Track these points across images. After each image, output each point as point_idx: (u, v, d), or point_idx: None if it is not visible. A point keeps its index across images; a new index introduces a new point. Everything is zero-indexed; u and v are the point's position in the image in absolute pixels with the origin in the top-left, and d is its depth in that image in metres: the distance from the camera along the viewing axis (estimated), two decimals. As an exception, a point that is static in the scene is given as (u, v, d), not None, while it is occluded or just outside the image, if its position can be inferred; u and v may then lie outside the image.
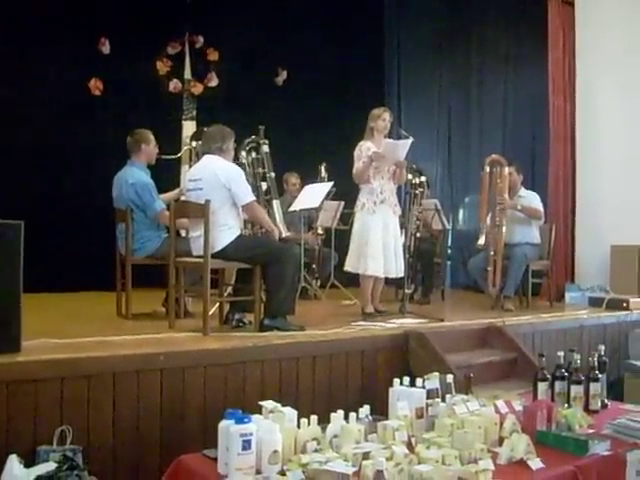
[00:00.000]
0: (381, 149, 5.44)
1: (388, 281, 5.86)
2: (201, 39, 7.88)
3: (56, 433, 3.25)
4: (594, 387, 3.70)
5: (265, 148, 5.63)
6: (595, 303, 6.61)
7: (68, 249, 6.87)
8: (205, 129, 4.94)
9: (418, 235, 6.92)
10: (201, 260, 4.43)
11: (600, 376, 3.76)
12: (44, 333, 4.00)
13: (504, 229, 6.32)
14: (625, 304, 6.38)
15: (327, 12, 8.32)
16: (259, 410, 3.06)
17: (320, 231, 7.21)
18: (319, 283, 7.23)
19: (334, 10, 8.36)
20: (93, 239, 6.53)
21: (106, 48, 7.39)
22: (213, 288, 4.64)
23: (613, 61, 7.20)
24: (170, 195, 5.39)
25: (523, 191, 6.62)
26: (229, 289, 5.13)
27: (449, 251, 8.37)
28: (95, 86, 7.34)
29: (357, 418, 2.99)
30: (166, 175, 6.38)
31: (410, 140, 5.46)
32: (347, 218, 6.51)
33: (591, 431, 3.29)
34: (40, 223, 6.22)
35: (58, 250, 6.80)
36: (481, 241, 6.41)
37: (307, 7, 8.23)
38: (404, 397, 3.21)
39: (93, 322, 4.99)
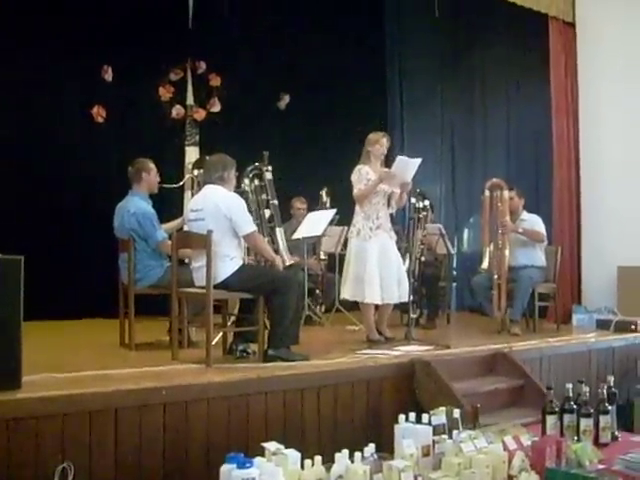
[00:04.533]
0: (393, 166, 5.42)
1: (394, 306, 5.80)
2: (203, 65, 7.85)
3: (57, 470, 3.20)
4: (604, 419, 3.64)
5: (268, 175, 5.58)
6: (603, 325, 6.55)
7: (71, 277, 6.84)
8: (207, 158, 4.92)
9: (423, 259, 6.87)
10: (203, 291, 4.39)
11: (610, 408, 3.70)
12: (46, 367, 3.96)
13: (507, 252, 6.28)
14: (634, 326, 6.33)
15: (329, 36, 8.31)
16: (263, 448, 3.01)
17: (323, 256, 7.17)
18: (324, 308, 7.18)
19: (336, 34, 8.36)
20: (97, 267, 6.51)
21: (109, 75, 7.38)
22: (216, 313, 4.59)
23: (615, 81, 7.23)
24: (172, 224, 5.36)
25: (525, 214, 6.58)
26: (232, 318, 5.09)
27: (454, 273, 8.33)
28: (98, 113, 7.33)
29: (362, 457, 2.94)
30: (169, 202, 6.37)
31: (419, 160, 5.45)
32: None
33: (602, 467, 3.23)
34: (43, 250, 6.31)
35: (61, 278, 6.77)
36: (484, 265, 6.38)
37: (309, 31, 8.25)
38: (410, 434, 3.15)
39: (96, 353, 4.95)
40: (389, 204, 5.60)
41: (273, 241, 5.36)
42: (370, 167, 5.52)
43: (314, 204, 7.27)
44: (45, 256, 6.29)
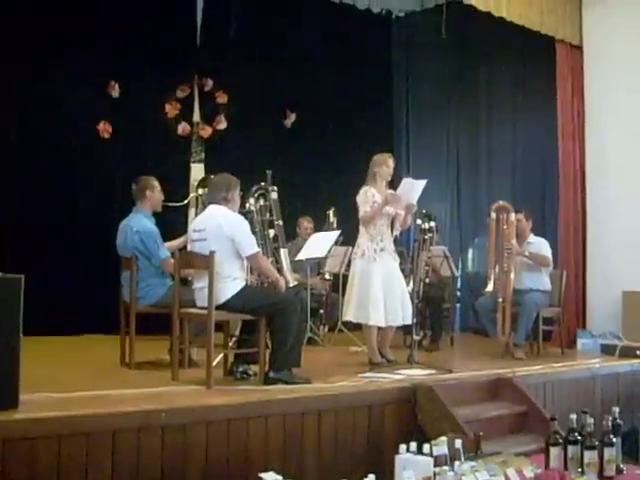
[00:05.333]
0: (398, 188, 5.41)
1: (397, 327, 5.75)
2: (210, 82, 7.88)
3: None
4: (609, 452, 3.57)
5: (273, 195, 5.57)
6: (608, 350, 6.50)
7: (73, 293, 6.81)
8: (211, 177, 4.90)
9: (427, 281, 6.83)
10: (205, 312, 4.36)
11: (615, 440, 3.63)
12: (44, 386, 3.93)
13: (512, 276, 6.23)
14: (639, 352, 6.25)
15: (336, 56, 8.34)
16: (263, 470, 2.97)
17: (327, 276, 7.13)
18: (327, 328, 7.14)
19: (343, 54, 8.39)
20: (99, 283, 6.48)
21: (115, 92, 7.40)
22: (218, 331, 4.54)
23: (621, 104, 7.21)
24: (176, 243, 5.33)
25: (532, 237, 6.54)
26: (233, 339, 5.05)
27: (458, 294, 8.28)
28: (104, 129, 7.34)
29: (362, 489, 2.90)
30: (174, 219, 6.35)
31: (425, 181, 5.44)
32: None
33: (606, 501, 3.18)
34: (45, 266, 6.31)
35: (63, 294, 6.75)
36: (489, 287, 6.32)
37: (316, 50, 8.27)
38: (410, 466, 3.10)
39: (95, 372, 4.90)
40: (392, 226, 5.57)
41: (277, 261, 5.34)
42: (376, 188, 5.49)
43: (321, 224, 7.24)
44: (47, 271, 6.28)
